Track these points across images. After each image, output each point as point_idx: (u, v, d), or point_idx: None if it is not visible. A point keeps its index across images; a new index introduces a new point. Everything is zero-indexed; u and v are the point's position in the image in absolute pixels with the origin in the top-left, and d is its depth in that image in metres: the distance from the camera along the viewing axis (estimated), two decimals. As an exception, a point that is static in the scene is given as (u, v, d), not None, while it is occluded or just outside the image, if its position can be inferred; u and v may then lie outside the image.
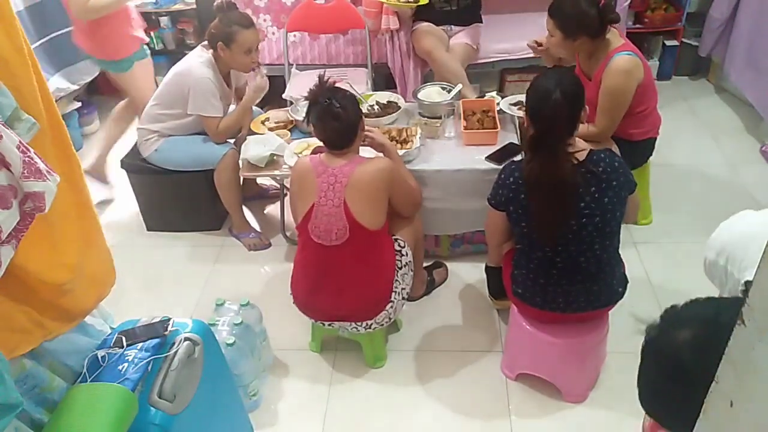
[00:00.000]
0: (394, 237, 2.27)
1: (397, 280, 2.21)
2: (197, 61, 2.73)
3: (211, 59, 2.73)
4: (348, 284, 2.15)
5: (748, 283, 1.27)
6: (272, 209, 3.27)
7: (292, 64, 3.66)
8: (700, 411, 0.97)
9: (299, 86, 3.39)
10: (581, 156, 1.87)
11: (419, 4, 3.17)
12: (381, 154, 2.30)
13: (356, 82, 3.36)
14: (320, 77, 2.17)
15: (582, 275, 1.97)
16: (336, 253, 2.11)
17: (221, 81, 2.78)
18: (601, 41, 2.40)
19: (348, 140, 2.11)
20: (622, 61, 2.36)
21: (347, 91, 2.16)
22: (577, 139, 1.94)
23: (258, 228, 3.09)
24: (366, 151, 2.30)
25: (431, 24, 3.33)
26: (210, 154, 2.82)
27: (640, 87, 2.41)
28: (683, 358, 1.04)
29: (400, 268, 2.23)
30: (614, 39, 2.42)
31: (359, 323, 2.21)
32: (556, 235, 1.92)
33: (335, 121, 2.06)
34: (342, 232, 2.08)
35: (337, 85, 2.17)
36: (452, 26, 3.40)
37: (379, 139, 2.28)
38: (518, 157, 2.48)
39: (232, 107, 2.97)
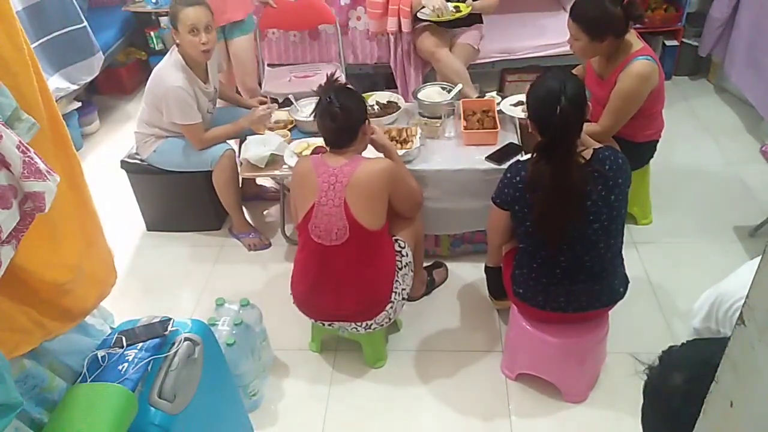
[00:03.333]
0: (394, 237, 2.27)
1: (397, 281, 2.21)
2: (167, 64, 2.67)
3: (180, 59, 2.66)
4: (348, 284, 2.15)
5: None
6: (272, 209, 3.27)
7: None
8: None
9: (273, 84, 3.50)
10: (587, 155, 1.87)
11: (463, 14, 3.18)
12: (381, 154, 2.30)
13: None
14: (329, 75, 2.17)
15: (585, 274, 1.97)
16: (336, 253, 2.11)
17: (194, 80, 2.70)
18: (621, 41, 2.39)
19: (344, 140, 2.11)
20: (642, 66, 2.35)
21: (355, 91, 2.15)
22: (584, 136, 1.93)
23: (258, 226, 3.09)
24: (367, 151, 2.30)
25: (433, 24, 3.33)
26: (208, 155, 2.80)
27: (653, 92, 2.42)
28: (674, 402, 1.03)
29: (401, 269, 2.23)
30: (634, 41, 2.41)
31: (359, 323, 2.21)
32: (564, 235, 1.91)
33: (332, 121, 2.06)
34: (342, 231, 2.07)
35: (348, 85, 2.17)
36: (454, 27, 3.40)
37: (380, 140, 2.28)
38: (524, 157, 2.48)
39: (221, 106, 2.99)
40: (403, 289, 2.24)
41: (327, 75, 2.18)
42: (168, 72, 2.66)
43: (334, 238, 2.09)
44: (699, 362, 1.05)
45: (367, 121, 2.16)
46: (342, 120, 2.05)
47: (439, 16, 3.19)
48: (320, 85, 2.14)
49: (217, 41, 3.13)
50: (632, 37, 2.42)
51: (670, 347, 1.12)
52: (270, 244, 3.03)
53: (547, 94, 1.83)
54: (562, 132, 1.82)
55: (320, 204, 2.08)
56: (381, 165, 2.11)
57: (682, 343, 1.12)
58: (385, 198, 2.12)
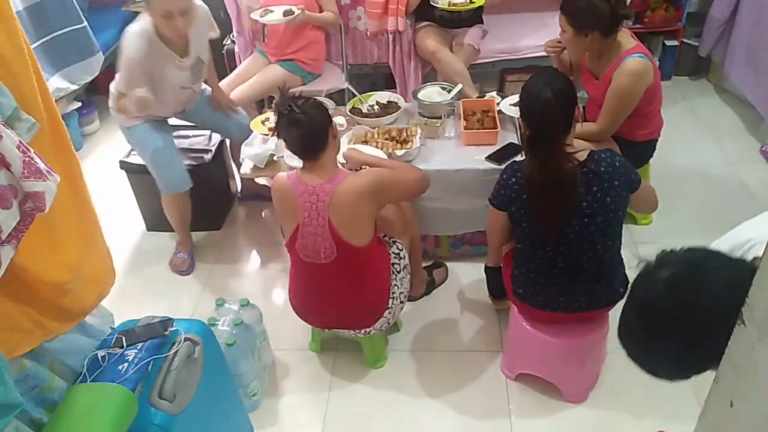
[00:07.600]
0: (392, 239, 2.26)
1: (395, 285, 2.19)
2: (134, 31, 2.46)
3: (151, 29, 2.45)
4: (342, 298, 2.13)
5: (755, 260, 1.25)
6: (271, 209, 3.26)
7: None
8: (663, 354, 1.03)
9: None
10: (582, 156, 1.87)
11: (476, 5, 3.19)
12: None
13: (329, 76, 3.43)
14: (280, 88, 2.06)
15: (583, 275, 1.97)
16: (327, 270, 2.07)
17: (165, 54, 2.50)
18: (612, 40, 2.40)
19: (317, 145, 1.98)
20: (635, 64, 2.36)
21: (312, 98, 2.03)
22: (576, 140, 1.94)
23: (258, 226, 3.07)
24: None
25: (434, 24, 3.33)
26: (170, 183, 2.72)
27: (648, 90, 2.42)
28: (652, 294, 1.07)
29: (399, 272, 2.21)
30: (626, 40, 2.42)
31: (358, 330, 2.21)
32: (558, 235, 1.92)
33: (298, 127, 1.94)
34: (330, 251, 2.03)
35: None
36: (454, 27, 3.40)
37: (357, 159, 2.25)
38: (519, 157, 2.48)
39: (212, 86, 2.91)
40: (401, 293, 2.23)
41: (278, 88, 2.06)
42: (130, 39, 2.45)
43: (322, 257, 2.05)
44: (686, 261, 1.08)
45: (332, 123, 2.05)
46: (307, 124, 1.94)
47: (452, 5, 3.18)
48: (275, 102, 2.02)
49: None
50: (625, 36, 2.43)
51: (671, 249, 1.13)
52: (192, 270, 2.91)
53: (532, 87, 1.89)
54: (545, 121, 1.84)
55: (304, 224, 2.02)
56: (361, 181, 1.99)
57: (682, 247, 1.12)
58: (370, 213, 2.04)
